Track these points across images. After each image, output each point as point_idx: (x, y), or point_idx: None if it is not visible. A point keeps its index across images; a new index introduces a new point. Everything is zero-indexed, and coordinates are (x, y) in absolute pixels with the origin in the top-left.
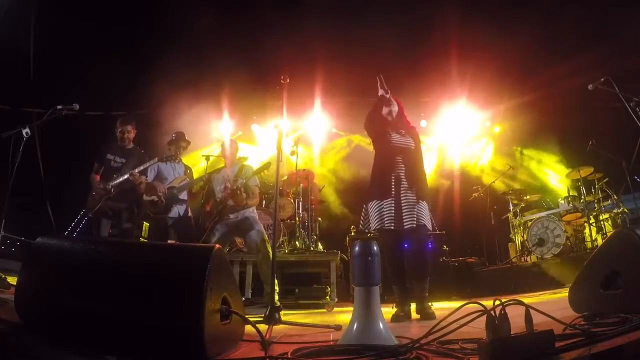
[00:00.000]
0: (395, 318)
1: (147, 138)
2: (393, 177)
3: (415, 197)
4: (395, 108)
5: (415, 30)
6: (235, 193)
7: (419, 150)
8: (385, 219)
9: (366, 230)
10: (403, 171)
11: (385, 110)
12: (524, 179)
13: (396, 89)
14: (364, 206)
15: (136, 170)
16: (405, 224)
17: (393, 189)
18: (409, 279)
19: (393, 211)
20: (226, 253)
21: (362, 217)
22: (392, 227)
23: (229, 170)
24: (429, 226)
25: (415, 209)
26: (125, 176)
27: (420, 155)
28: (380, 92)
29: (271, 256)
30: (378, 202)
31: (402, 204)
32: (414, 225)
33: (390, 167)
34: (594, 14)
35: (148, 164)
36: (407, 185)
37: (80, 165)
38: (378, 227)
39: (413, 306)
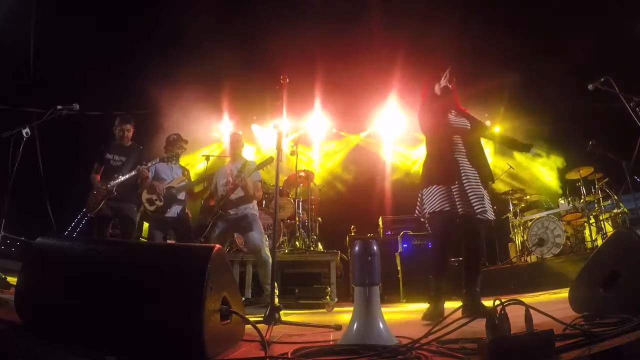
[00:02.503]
0: (429, 316)
1: (147, 138)
2: (457, 160)
3: (479, 182)
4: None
5: (415, 30)
6: (236, 187)
7: (476, 132)
8: (457, 202)
9: (422, 219)
10: (464, 154)
11: (445, 80)
12: (524, 179)
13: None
14: (421, 192)
15: (143, 167)
16: (477, 209)
17: (460, 172)
18: (465, 268)
19: (458, 195)
20: (226, 253)
21: (418, 203)
22: (461, 212)
23: (232, 165)
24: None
25: (484, 196)
26: (127, 175)
27: (478, 138)
28: (443, 83)
29: (270, 260)
30: (442, 186)
31: (467, 189)
32: (485, 209)
33: (451, 149)
34: (594, 12)
35: (150, 164)
36: (470, 168)
37: (80, 165)
38: (437, 209)
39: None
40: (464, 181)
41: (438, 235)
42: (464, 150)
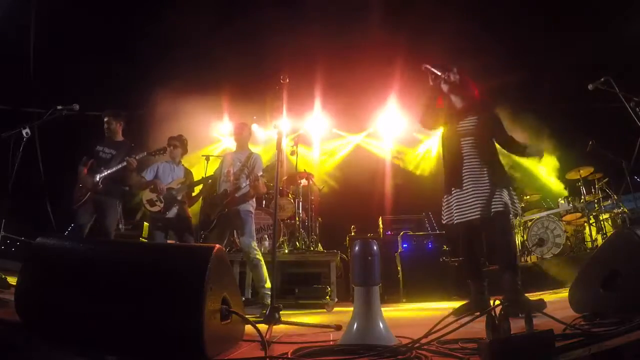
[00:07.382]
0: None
1: (147, 138)
2: (462, 166)
3: (487, 184)
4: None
5: (415, 30)
6: (239, 189)
7: (484, 131)
8: (455, 212)
9: (448, 223)
10: (469, 157)
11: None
12: (524, 178)
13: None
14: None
15: (132, 158)
16: (478, 213)
17: (463, 179)
18: (499, 271)
19: (462, 203)
20: (226, 253)
21: (443, 210)
22: (462, 220)
23: (236, 155)
24: (510, 210)
25: (487, 197)
26: (114, 168)
27: (486, 137)
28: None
29: (261, 263)
30: (447, 195)
31: (471, 194)
32: (488, 215)
33: (455, 155)
34: (594, 12)
35: (139, 156)
36: (476, 173)
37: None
38: (448, 221)
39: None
40: (467, 186)
41: (459, 243)
42: (474, 152)
